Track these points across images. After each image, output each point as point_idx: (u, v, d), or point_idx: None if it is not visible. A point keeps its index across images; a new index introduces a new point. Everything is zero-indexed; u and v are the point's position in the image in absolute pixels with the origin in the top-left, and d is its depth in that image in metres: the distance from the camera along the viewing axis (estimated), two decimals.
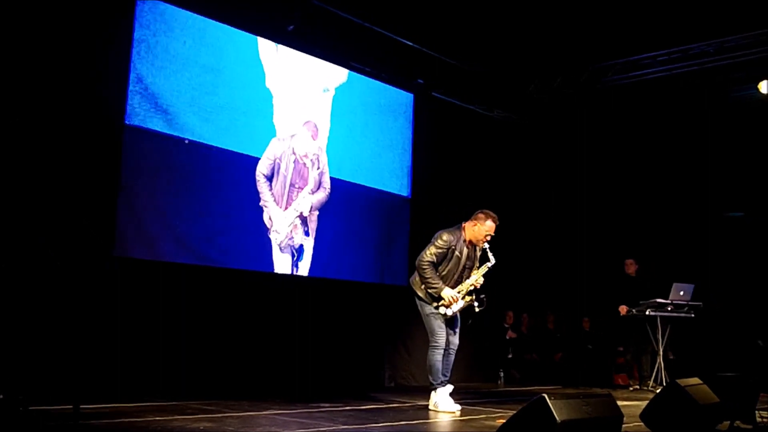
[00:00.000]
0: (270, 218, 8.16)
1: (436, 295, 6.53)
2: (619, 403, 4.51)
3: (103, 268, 6.66)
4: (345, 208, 9.01)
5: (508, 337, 11.12)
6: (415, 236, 9.70)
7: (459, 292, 6.55)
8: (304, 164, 8.52)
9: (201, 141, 7.55)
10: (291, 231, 8.32)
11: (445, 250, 6.58)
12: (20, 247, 5.98)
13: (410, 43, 9.38)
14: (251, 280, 7.98)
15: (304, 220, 8.49)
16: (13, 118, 6.11)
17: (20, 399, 4.25)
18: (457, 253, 6.61)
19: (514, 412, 4.17)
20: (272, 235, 8.18)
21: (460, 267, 6.64)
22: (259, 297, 8.02)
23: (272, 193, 8.17)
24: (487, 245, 6.62)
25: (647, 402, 5.06)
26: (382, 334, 9.41)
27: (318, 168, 8.67)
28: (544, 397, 3.86)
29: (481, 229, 6.60)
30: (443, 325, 6.58)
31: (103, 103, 6.89)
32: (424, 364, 9.69)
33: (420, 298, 6.66)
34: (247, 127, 8.00)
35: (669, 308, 9.36)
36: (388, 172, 9.65)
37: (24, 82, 6.26)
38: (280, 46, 8.42)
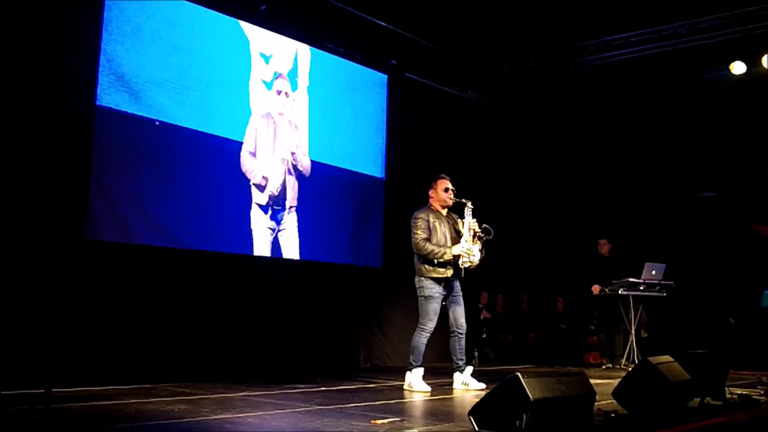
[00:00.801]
0: (264, 178, 8.20)
1: (451, 258, 6.61)
2: (592, 381, 4.55)
3: (76, 250, 6.60)
4: (319, 189, 8.97)
5: (482, 318, 11.18)
6: (389, 218, 9.72)
7: (466, 242, 6.65)
8: (285, 118, 8.53)
9: (172, 122, 7.48)
10: (284, 176, 8.33)
11: (425, 224, 6.75)
12: None
13: (384, 24, 9.33)
14: (225, 262, 7.93)
15: (292, 168, 8.52)
16: None
17: None
18: (436, 224, 6.77)
19: (489, 390, 4.20)
20: (266, 191, 8.20)
21: (448, 236, 6.77)
22: (234, 280, 7.98)
23: (256, 157, 8.17)
24: (454, 197, 6.87)
25: (619, 380, 5.11)
26: (358, 315, 9.43)
27: (296, 128, 8.67)
28: (517, 375, 3.89)
29: (439, 189, 6.90)
30: (438, 312, 6.66)
31: (74, 84, 6.80)
32: (400, 345, 9.82)
33: (425, 282, 6.69)
34: (219, 108, 7.92)
35: (641, 287, 9.45)
36: (363, 153, 9.62)
37: None
38: (253, 27, 8.34)
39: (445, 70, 10.60)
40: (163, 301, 7.23)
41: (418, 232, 6.71)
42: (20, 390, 4.98)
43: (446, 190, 6.88)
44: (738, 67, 10.06)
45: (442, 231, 6.77)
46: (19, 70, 6.33)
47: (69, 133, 6.68)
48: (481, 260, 6.72)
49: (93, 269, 6.69)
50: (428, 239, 6.68)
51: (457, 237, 6.80)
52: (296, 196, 8.62)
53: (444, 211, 6.94)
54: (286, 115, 8.59)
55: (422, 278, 6.71)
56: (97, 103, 6.89)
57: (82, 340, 6.49)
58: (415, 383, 6.55)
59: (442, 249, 6.61)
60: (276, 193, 8.38)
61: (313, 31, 8.96)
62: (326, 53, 9.19)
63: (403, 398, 5.99)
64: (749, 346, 9.53)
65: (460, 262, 6.62)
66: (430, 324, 6.62)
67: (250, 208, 8.15)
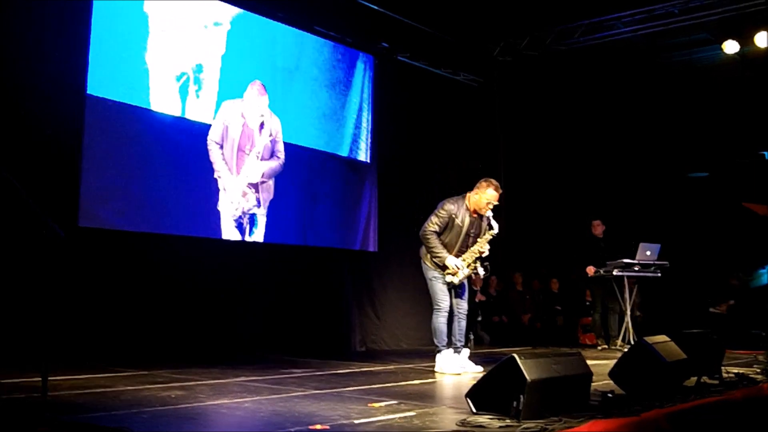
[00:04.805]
0: (224, 188, 8.03)
1: (441, 264, 6.61)
2: (588, 362, 4.55)
3: (68, 239, 6.55)
4: (308, 174, 8.96)
5: (476, 300, 11.16)
6: (382, 202, 9.71)
7: (463, 261, 6.61)
8: (252, 129, 8.36)
9: (158, 110, 7.46)
10: (242, 198, 8.18)
11: (446, 219, 6.61)
12: None
13: (374, 7, 9.26)
14: (215, 247, 7.93)
15: (255, 188, 8.35)
16: None
17: None
18: (458, 222, 6.62)
19: (485, 372, 4.19)
20: (226, 206, 8.02)
21: (462, 235, 6.66)
22: (228, 265, 7.97)
23: (225, 161, 8.05)
24: (490, 213, 6.66)
25: (616, 360, 5.11)
26: (352, 299, 9.42)
27: (269, 135, 8.51)
28: (514, 356, 3.87)
29: (482, 197, 6.61)
30: (446, 290, 6.66)
31: (65, 73, 6.77)
32: (395, 329, 9.82)
33: (426, 264, 6.74)
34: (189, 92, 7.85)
35: (636, 268, 9.45)
36: (352, 137, 9.58)
37: None
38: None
39: (436, 52, 10.54)
40: (155, 286, 7.21)
41: (432, 224, 6.61)
42: (16, 378, 4.96)
43: (489, 203, 6.60)
44: (730, 46, 10.03)
45: (458, 231, 6.63)
46: (11, 61, 6.28)
47: (60, 121, 6.66)
48: (461, 280, 6.68)
49: (85, 257, 6.65)
50: (438, 233, 6.62)
51: (476, 234, 6.70)
52: (270, 197, 8.49)
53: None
54: (256, 113, 8.39)
55: (424, 260, 6.75)
56: (88, 92, 6.89)
57: (77, 328, 6.47)
58: (446, 366, 6.55)
59: (441, 252, 6.56)
60: (241, 211, 8.20)
61: (304, 15, 8.91)
62: (316, 37, 9.13)
63: (399, 381, 5.98)
64: (743, 326, 9.56)
65: (444, 271, 6.62)
66: (443, 303, 6.62)
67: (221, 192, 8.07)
